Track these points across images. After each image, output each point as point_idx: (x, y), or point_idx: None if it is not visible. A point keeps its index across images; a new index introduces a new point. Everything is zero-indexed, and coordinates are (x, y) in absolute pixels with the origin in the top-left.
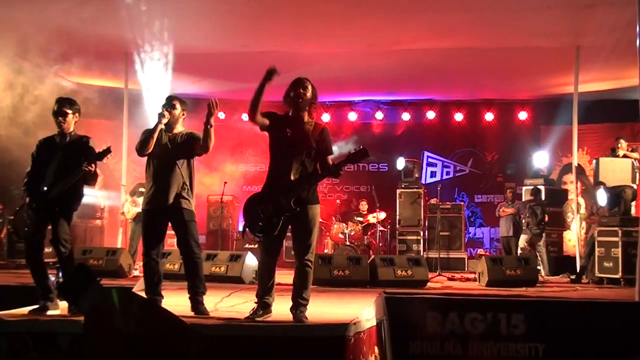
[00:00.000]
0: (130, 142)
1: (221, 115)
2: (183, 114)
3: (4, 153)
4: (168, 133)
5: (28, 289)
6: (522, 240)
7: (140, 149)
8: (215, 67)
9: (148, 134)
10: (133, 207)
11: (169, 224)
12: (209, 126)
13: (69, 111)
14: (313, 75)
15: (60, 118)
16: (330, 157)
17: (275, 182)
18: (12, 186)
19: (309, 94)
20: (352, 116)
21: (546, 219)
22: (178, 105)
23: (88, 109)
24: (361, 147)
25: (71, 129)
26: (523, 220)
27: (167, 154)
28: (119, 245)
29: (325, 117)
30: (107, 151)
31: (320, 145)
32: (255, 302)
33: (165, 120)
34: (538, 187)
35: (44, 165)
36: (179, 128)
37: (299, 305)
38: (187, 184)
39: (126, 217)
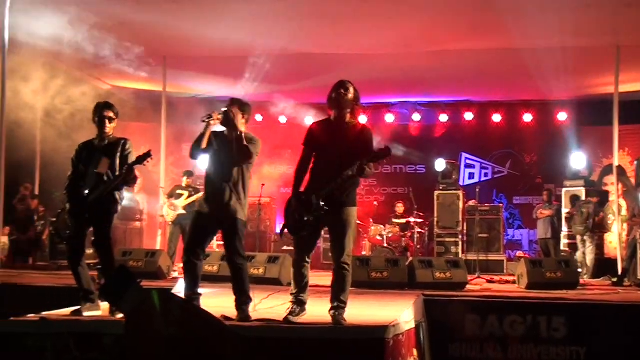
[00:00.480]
0: (168, 145)
1: (259, 117)
2: (242, 118)
3: (45, 156)
4: (225, 137)
5: (70, 290)
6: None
7: (191, 152)
8: (251, 69)
9: (197, 137)
10: (171, 210)
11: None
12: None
13: (112, 116)
14: (350, 76)
15: (101, 123)
16: None
17: (314, 183)
18: (53, 189)
19: (350, 95)
20: (389, 118)
21: (594, 220)
22: (235, 109)
23: (125, 111)
24: (384, 146)
25: (111, 133)
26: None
27: (224, 159)
28: (157, 247)
29: (362, 119)
30: (148, 155)
31: (359, 145)
32: (291, 301)
33: (213, 123)
34: (576, 194)
35: (84, 169)
36: (234, 133)
37: (337, 307)
38: (242, 190)
39: (166, 220)
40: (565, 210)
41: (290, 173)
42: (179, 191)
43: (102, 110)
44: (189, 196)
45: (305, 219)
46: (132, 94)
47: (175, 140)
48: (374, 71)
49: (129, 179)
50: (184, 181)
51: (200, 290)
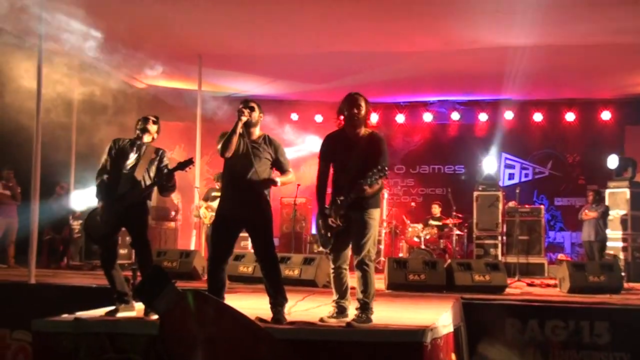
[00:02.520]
0: (204, 145)
1: (294, 116)
2: (261, 117)
3: (80, 156)
4: (246, 138)
5: (104, 290)
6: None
7: (223, 150)
8: (287, 68)
9: (229, 134)
10: (209, 212)
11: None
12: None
13: (153, 130)
14: (387, 75)
15: (142, 133)
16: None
17: (335, 195)
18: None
19: (362, 112)
20: (427, 117)
21: None
22: (257, 108)
23: (160, 110)
24: (379, 167)
25: (149, 140)
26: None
27: (247, 160)
28: (192, 248)
29: (400, 118)
30: (189, 162)
31: (371, 155)
32: (333, 306)
33: (244, 119)
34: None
35: (117, 168)
36: (257, 132)
37: (359, 308)
38: (266, 190)
39: (204, 222)
40: (621, 212)
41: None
42: (214, 193)
43: (144, 122)
44: None
45: (329, 235)
46: (167, 93)
47: (211, 139)
48: (412, 69)
49: (168, 186)
50: (218, 183)
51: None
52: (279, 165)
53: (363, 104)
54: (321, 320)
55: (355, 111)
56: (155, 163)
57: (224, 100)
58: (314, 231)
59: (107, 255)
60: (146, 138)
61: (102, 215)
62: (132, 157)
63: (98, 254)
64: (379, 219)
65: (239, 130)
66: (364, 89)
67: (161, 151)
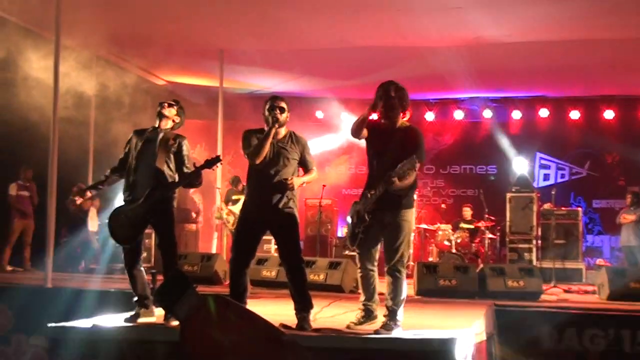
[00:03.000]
0: (225, 143)
1: (319, 114)
2: (288, 116)
3: (98, 155)
4: (274, 139)
5: (124, 294)
6: None
7: (254, 157)
8: (311, 64)
9: (261, 140)
10: (231, 217)
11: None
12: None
13: (171, 113)
14: (415, 71)
15: (159, 119)
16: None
17: (367, 190)
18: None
19: (396, 101)
20: (458, 115)
21: None
22: (286, 108)
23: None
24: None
25: (168, 126)
26: None
27: (274, 162)
28: (213, 251)
29: (429, 116)
30: (217, 160)
31: (406, 148)
32: (360, 308)
33: (277, 126)
34: None
35: (137, 160)
36: (283, 131)
37: (387, 314)
38: (293, 191)
39: (228, 227)
40: None
41: (352, 173)
42: (234, 196)
43: (161, 106)
44: None
45: (356, 231)
46: (187, 90)
47: (233, 137)
48: (442, 65)
49: (195, 182)
50: (234, 187)
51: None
52: (304, 163)
53: (393, 92)
54: (348, 327)
55: (386, 100)
56: (174, 151)
57: (246, 97)
58: (340, 234)
59: (130, 255)
60: (164, 124)
61: (127, 214)
62: (151, 147)
63: (117, 256)
64: (412, 220)
65: (272, 135)
66: (412, 83)
67: (179, 138)
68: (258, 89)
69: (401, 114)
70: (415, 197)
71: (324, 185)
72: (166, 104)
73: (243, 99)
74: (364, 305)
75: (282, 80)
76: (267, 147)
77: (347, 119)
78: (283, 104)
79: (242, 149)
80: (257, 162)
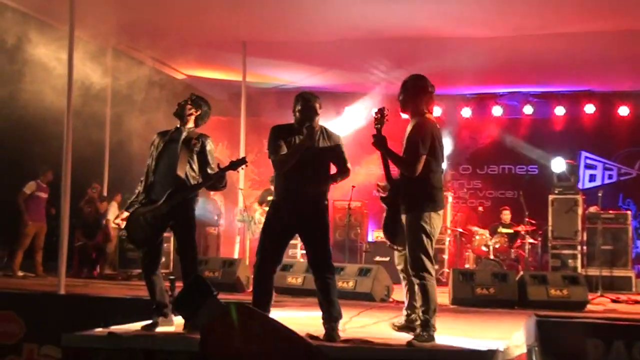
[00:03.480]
0: (248, 141)
1: (347, 110)
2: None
3: (115, 154)
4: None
5: (141, 302)
6: None
7: (278, 167)
8: (340, 56)
9: (290, 153)
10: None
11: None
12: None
13: (191, 112)
14: (451, 63)
15: (179, 119)
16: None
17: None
18: (124, 190)
19: (401, 97)
20: (497, 111)
21: None
22: (319, 107)
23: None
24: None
25: (190, 124)
26: None
27: (305, 161)
28: (235, 256)
29: (466, 112)
30: (242, 162)
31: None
32: (404, 314)
33: (309, 140)
34: None
35: (159, 163)
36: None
37: (419, 325)
38: (325, 192)
39: (258, 229)
40: None
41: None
42: (270, 197)
43: (180, 106)
44: None
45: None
46: (207, 84)
47: (256, 135)
48: (479, 57)
49: (218, 185)
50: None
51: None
52: (337, 160)
53: (402, 89)
54: (392, 325)
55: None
56: (197, 150)
57: (271, 92)
58: (370, 238)
59: (149, 260)
60: (186, 123)
61: (145, 215)
62: (173, 147)
63: (134, 261)
64: (431, 223)
65: (302, 150)
66: (450, 77)
67: (202, 137)
68: (283, 83)
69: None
70: (450, 199)
71: (353, 186)
72: (187, 104)
73: (267, 94)
74: (409, 312)
75: (308, 74)
76: (294, 160)
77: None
78: (317, 104)
79: (267, 149)
80: (279, 171)
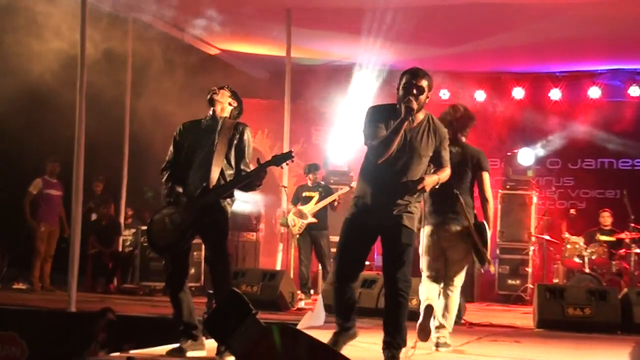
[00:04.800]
0: (293, 129)
1: (445, 93)
2: (428, 98)
3: (135, 143)
4: (405, 127)
5: (166, 321)
6: None
7: (379, 154)
8: (401, 27)
9: (388, 135)
10: (297, 218)
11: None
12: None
13: (224, 99)
14: (536, 35)
15: (211, 105)
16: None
17: None
18: (146, 186)
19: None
20: (594, 92)
21: None
22: (427, 86)
23: (235, 83)
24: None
25: (225, 113)
26: None
27: (401, 158)
28: (278, 267)
29: (555, 94)
30: (287, 156)
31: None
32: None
33: (410, 118)
34: None
35: (188, 157)
36: (420, 116)
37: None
38: (419, 195)
39: (292, 231)
40: None
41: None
42: (305, 193)
43: (211, 92)
44: (320, 199)
45: None
46: (245, 60)
47: (302, 121)
48: (571, 27)
49: (256, 183)
50: (310, 177)
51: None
52: (437, 159)
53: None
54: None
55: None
56: (235, 142)
57: (320, 70)
58: None
59: (174, 272)
60: (219, 111)
61: (172, 216)
62: (209, 138)
63: (159, 273)
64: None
65: (403, 128)
66: (505, 54)
67: (241, 126)
68: (334, 59)
69: None
70: (535, 199)
71: None
72: (217, 90)
73: (316, 72)
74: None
75: (365, 48)
76: (395, 144)
77: (447, 97)
78: (423, 82)
79: (363, 132)
80: (380, 161)
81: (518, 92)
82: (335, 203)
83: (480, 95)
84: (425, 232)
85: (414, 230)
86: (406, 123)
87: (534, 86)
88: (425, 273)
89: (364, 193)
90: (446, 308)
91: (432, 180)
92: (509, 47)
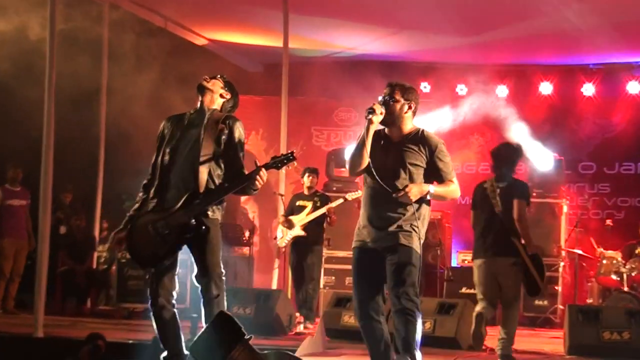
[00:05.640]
0: (292, 129)
1: (425, 86)
2: (411, 105)
3: (111, 146)
4: (388, 140)
5: (146, 348)
6: None
7: (350, 169)
8: (412, 13)
9: (357, 145)
10: (287, 229)
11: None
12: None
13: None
14: (569, 21)
15: (200, 94)
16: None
17: None
18: (125, 194)
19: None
20: (633, 87)
21: None
22: (400, 94)
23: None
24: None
25: (214, 105)
26: None
27: (388, 168)
28: (274, 286)
29: (588, 90)
30: (289, 158)
31: None
32: None
33: (375, 120)
34: None
35: (173, 155)
36: (405, 128)
37: None
38: (418, 210)
39: (279, 244)
40: None
41: (472, 173)
42: (299, 202)
43: (214, 79)
44: (314, 209)
45: None
46: (237, 52)
47: (301, 120)
48: (608, 13)
49: (252, 187)
50: (305, 181)
51: None
52: (436, 172)
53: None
54: None
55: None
56: (223, 138)
57: (321, 63)
58: (455, 262)
59: (158, 288)
60: (209, 101)
61: (155, 225)
62: (193, 133)
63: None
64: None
65: (369, 139)
66: (531, 44)
67: (230, 120)
68: (338, 50)
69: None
70: (565, 209)
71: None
72: (207, 76)
73: (316, 65)
74: None
75: (371, 37)
76: (364, 156)
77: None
78: (394, 93)
79: None
80: (352, 174)
81: (546, 87)
82: (330, 217)
83: (502, 91)
84: (477, 263)
85: (412, 247)
86: (371, 133)
87: (564, 80)
88: (481, 302)
89: (363, 217)
90: (506, 319)
91: (418, 189)
92: (536, 35)
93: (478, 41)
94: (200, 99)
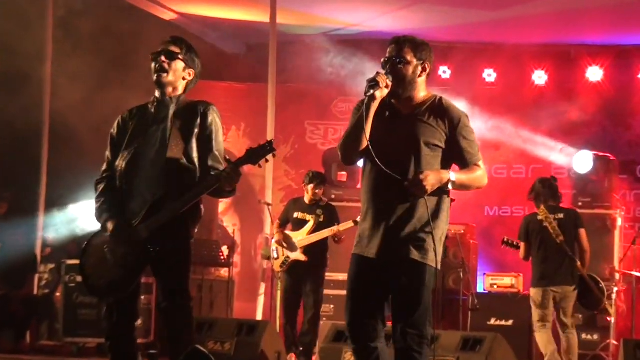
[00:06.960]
0: (280, 123)
1: (444, 71)
2: (426, 66)
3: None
4: (397, 111)
5: None
6: None
7: (345, 155)
8: None
9: (350, 128)
10: (283, 248)
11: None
12: None
13: (178, 65)
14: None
15: (157, 76)
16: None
17: None
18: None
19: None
20: None
21: None
22: (411, 51)
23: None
24: None
25: (179, 91)
26: None
27: (399, 151)
28: (259, 316)
29: (597, 73)
30: (267, 149)
31: None
32: None
33: (379, 95)
34: None
35: (134, 156)
36: (419, 95)
37: None
38: (435, 206)
39: (274, 266)
40: None
41: (504, 177)
42: (297, 214)
43: (158, 52)
44: (317, 226)
45: None
46: (213, 29)
47: (292, 113)
48: None
49: (226, 188)
50: (308, 191)
51: None
52: (459, 153)
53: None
54: None
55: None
56: (196, 131)
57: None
58: (481, 287)
59: (117, 320)
60: (170, 89)
61: (110, 245)
62: (158, 131)
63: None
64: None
65: (369, 122)
66: (576, 20)
67: (202, 107)
68: (337, 26)
69: None
70: (620, 222)
71: (452, 200)
72: (164, 60)
73: (310, 45)
74: None
75: (376, 12)
76: (362, 139)
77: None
78: (403, 50)
79: None
80: (345, 162)
81: (594, 73)
82: (339, 237)
83: (540, 77)
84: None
85: (426, 264)
86: (373, 109)
87: (617, 64)
88: (538, 324)
89: (363, 217)
90: (569, 349)
91: (436, 177)
92: (582, 9)
93: (508, 16)
94: (158, 88)
